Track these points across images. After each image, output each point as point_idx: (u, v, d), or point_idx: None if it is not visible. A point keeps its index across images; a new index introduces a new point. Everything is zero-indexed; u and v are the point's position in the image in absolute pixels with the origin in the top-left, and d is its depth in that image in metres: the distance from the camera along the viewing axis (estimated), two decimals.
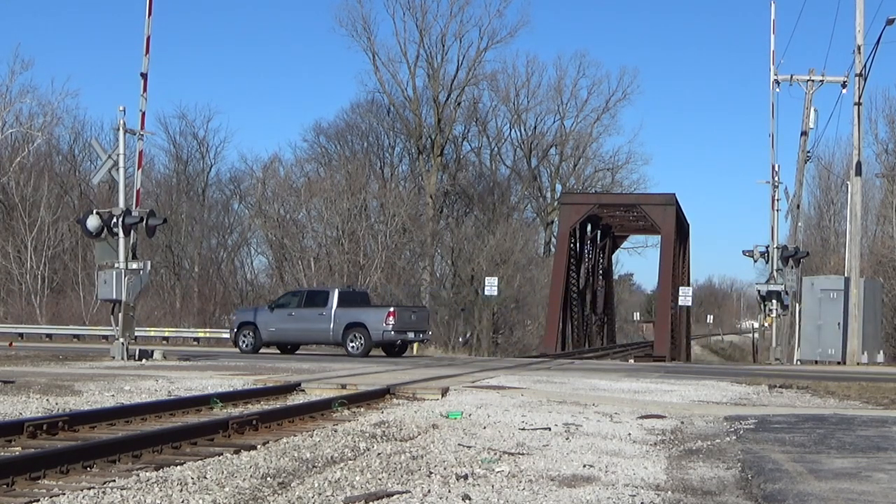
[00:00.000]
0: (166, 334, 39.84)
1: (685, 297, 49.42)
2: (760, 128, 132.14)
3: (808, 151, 41.81)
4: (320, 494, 7.20)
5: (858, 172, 33.30)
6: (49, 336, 41.23)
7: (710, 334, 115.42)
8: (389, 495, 7.16)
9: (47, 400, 13.74)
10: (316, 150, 71.25)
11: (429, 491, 7.36)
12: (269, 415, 11.55)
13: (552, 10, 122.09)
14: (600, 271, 61.75)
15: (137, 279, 24.29)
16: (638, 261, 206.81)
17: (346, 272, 50.64)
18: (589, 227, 57.52)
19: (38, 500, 6.91)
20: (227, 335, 39.43)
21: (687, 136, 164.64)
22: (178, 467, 8.20)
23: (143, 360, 24.07)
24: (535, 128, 76.04)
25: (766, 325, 37.34)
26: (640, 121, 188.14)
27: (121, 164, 24.49)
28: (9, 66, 66.56)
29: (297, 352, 31.72)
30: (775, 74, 37.94)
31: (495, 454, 9.25)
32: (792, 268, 36.41)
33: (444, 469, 8.34)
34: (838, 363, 33.11)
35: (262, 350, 30.91)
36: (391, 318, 29.55)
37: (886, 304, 42.67)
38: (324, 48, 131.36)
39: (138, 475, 7.79)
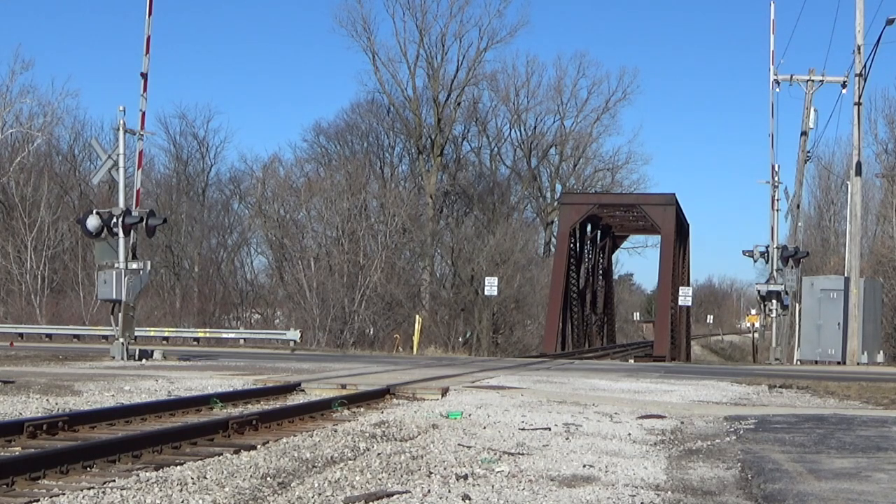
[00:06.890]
0: (166, 334, 39.72)
1: (685, 297, 49.32)
2: (760, 128, 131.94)
3: (808, 151, 41.81)
4: (320, 494, 7.20)
5: (858, 172, 33.32)
6: (49, 336, 41.12)
7: (710, 334, 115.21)
8: (389, 495, 7.16)
9: (47, 400, 13.74)
10: (316, 150, 71.34)
11: (429, 491, 7.36)
12: (268, 415, 11.55)
13: (552, 10, 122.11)
14: (600, 271, 61.69)
15: (137, 279, 24.29)
16: (638, 261, 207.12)
17: (346, 272, 50.61)
18: (589, 227, 57.45)
19: (38, 500, 6.91)
20: (227, 335, 39.37)
21: (687, 136, 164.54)
22: (178, 467, 8.20)
23: (143, 360, 24.08)
24: (534, 128, 76.03)
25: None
26: (640, 121, 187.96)
27: (121, 164, 24.50)
28: (9, 66, 66.36)
29: (297, 351, 31.66)
30: (775, 74, 37.94)
31: (495, 454, 9.25)
32: (792, 268, 36.40)
33: (444, 469, 8.34)
34: (838, 363, 33.10)
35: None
36: None
37: (886, 304, 42.63)
38: (324, 48, 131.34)
39: (138, 475, 7.79)
